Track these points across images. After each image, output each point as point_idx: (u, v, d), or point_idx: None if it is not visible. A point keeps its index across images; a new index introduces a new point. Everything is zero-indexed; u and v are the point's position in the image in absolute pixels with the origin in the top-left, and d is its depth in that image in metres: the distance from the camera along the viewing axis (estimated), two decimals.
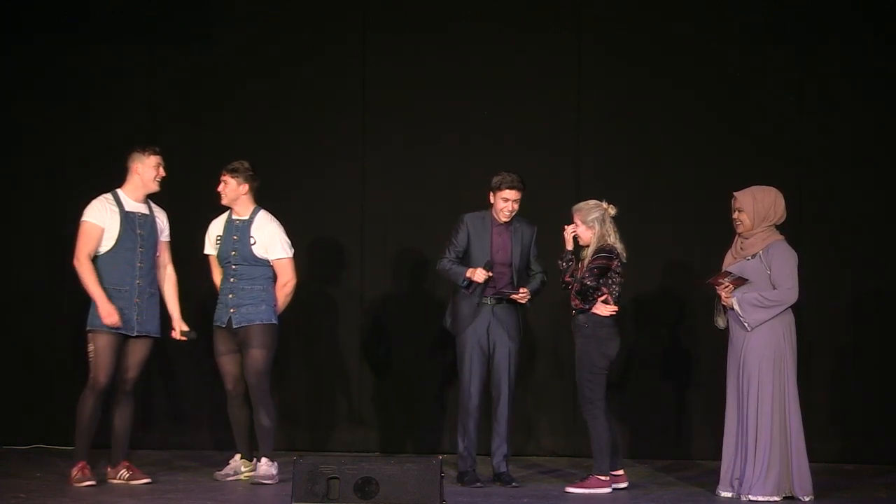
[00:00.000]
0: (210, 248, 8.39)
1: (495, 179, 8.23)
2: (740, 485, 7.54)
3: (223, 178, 8.27)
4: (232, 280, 8.22)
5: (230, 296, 8.20)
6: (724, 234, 8.99)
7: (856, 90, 9.66)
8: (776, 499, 7.43)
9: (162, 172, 8.13)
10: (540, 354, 9.81)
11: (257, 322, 8.16)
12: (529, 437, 9.79)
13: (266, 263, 8.25)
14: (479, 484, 8.10)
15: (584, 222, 8.01)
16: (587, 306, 7.92)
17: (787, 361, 7.52)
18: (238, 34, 10.18)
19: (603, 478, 7.91)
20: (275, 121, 10.11)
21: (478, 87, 9.99)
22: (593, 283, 7.89)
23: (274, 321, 8.23)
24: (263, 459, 8.17)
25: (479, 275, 8.13)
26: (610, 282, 7.95)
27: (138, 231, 8.04)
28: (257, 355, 8.16)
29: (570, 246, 8.06)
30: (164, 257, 8.24)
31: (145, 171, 8.09)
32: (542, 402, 9.85)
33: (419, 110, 10.06)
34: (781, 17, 9.76)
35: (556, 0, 10.01)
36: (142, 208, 8.11)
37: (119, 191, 8.11)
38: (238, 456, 8.34)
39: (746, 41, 9.80)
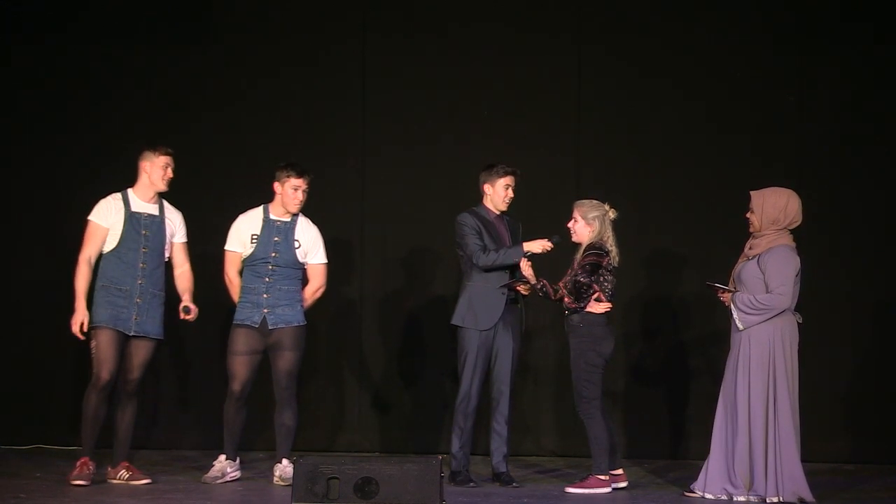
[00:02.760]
0: (237, 245, 8.23)
1: (493, 169, 8.25)
2: (732, 486, 7.54)
3: (307, 183, 8.20)
4: (267, 280, 8.17)
5: (265, 295, 8.15)
6: (724, 234, 9.00)
7: (856, 90, 9.67)
8: (774, 499, 7.43)
9: (170, 173, 8.10)
10: (540, 354, 9.81)
11: (294, 324, 8.19)
12: (529, 437, 9.79)
13: (302, 266, 8.28)
14: (472, 484, 8.09)
15: (583, 218, 7.99)
16: (581, 304, 7.89)
17: (781, 364, 7.45)
18: (238, 34, 10.19)
19: (602, 477, 7.90)
20: (275, 121, 10.11)
21: (478, 87, 9.99)
22: (586, 280, 7.86)
23: (305, 322, 8.26)
24: (285, 461, 8.16)
25: (540, 245, 8.07)
26: (601, 279, 7.93)
27: (143, 232, 8.04)
28: (292, 357, 8.18)
29: (532, 280, 8.02)
30: (179, 258, 8.22)
31: (153, 171, 8.09)
32: (541, 402, 9.85)
33: (419, 110, 10.06)
34: (781, 17, 9.77)
35: (556, 0, 10.02)
36: (150, 209, 8.10)
37: (129, 190, 8.12)
38: (223, 457, 8.23)
39: (746, 41, 9.80)
